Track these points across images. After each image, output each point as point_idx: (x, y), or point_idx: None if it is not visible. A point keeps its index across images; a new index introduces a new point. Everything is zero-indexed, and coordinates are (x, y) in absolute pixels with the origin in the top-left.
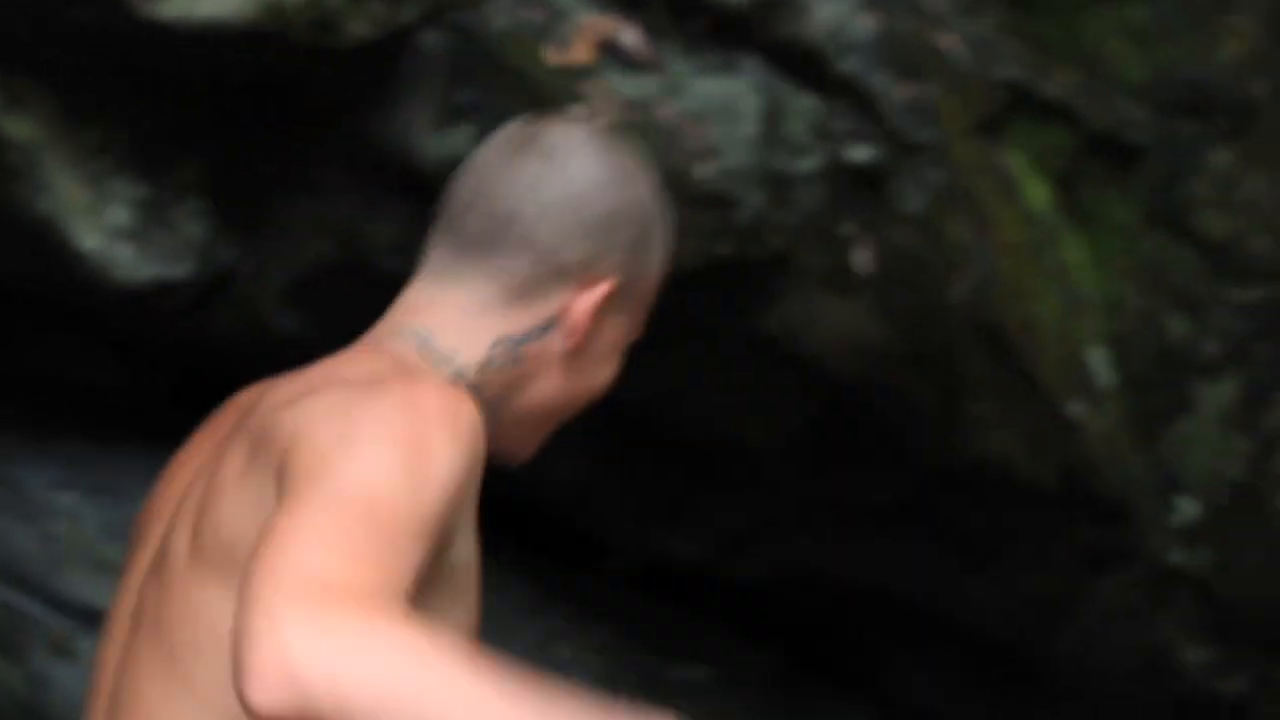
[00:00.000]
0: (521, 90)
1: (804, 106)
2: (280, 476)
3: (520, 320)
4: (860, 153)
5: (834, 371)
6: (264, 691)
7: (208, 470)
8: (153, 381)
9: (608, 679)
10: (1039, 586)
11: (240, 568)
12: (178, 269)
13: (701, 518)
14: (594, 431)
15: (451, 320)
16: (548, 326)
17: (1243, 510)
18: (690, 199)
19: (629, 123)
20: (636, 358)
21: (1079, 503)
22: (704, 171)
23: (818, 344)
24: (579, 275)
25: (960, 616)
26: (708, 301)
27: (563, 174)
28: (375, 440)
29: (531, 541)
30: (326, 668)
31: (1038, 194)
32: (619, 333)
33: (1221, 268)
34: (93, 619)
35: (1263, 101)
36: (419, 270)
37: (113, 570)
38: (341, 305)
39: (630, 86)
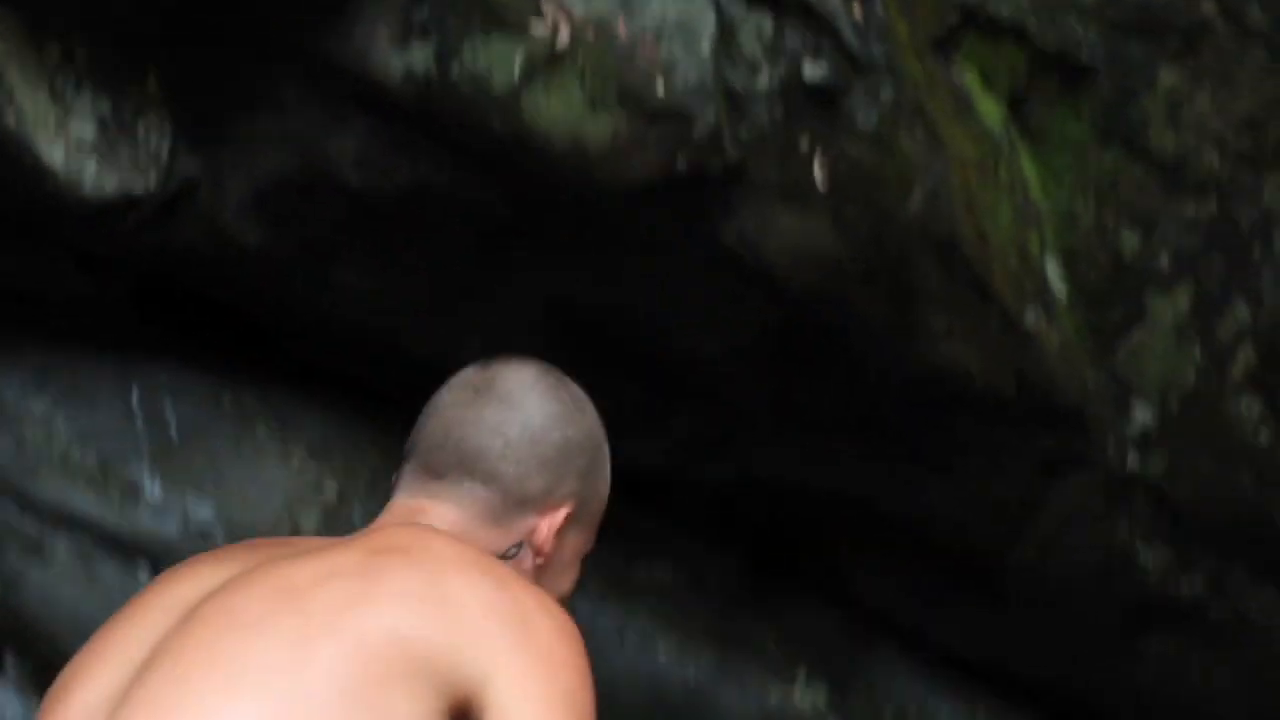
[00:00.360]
0: (480, 8)
1: (758, 24)
2: None
3: (497, 540)
4: (814, 70)
5: (790, 284)
6: None
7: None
8: (118, 292)
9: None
10: (997, 493)
11: None
12: (141, 182)
13: (661, 427)
14: (554, 345)
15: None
16: (520, 546)
17: (1196, 417)
18: (647, 114)
19: (586, 40)
20: (596, 272)
21: (1036, 411)
22: (661, 87)
23: (774, 256)
24: (540, 502)
25: (921, 522)
26: (665, 215)
27: (520, 415)
28: None
29: None
30: None
31: (990, 111)
32: (578, 545)
33: (1172, 183)
34: (64, 521)
35: (1212, 21)
36: (396, 495)
37: (83, 474)
38: (302, 218)
39: (587, 4)
